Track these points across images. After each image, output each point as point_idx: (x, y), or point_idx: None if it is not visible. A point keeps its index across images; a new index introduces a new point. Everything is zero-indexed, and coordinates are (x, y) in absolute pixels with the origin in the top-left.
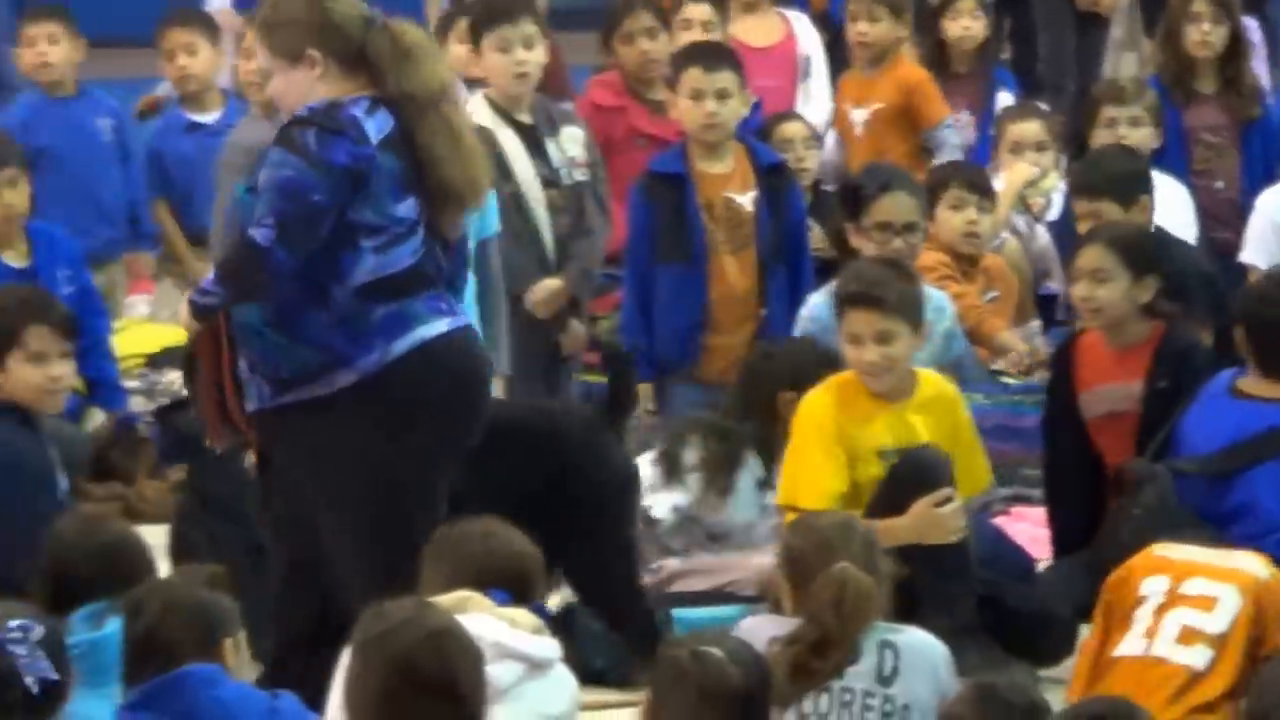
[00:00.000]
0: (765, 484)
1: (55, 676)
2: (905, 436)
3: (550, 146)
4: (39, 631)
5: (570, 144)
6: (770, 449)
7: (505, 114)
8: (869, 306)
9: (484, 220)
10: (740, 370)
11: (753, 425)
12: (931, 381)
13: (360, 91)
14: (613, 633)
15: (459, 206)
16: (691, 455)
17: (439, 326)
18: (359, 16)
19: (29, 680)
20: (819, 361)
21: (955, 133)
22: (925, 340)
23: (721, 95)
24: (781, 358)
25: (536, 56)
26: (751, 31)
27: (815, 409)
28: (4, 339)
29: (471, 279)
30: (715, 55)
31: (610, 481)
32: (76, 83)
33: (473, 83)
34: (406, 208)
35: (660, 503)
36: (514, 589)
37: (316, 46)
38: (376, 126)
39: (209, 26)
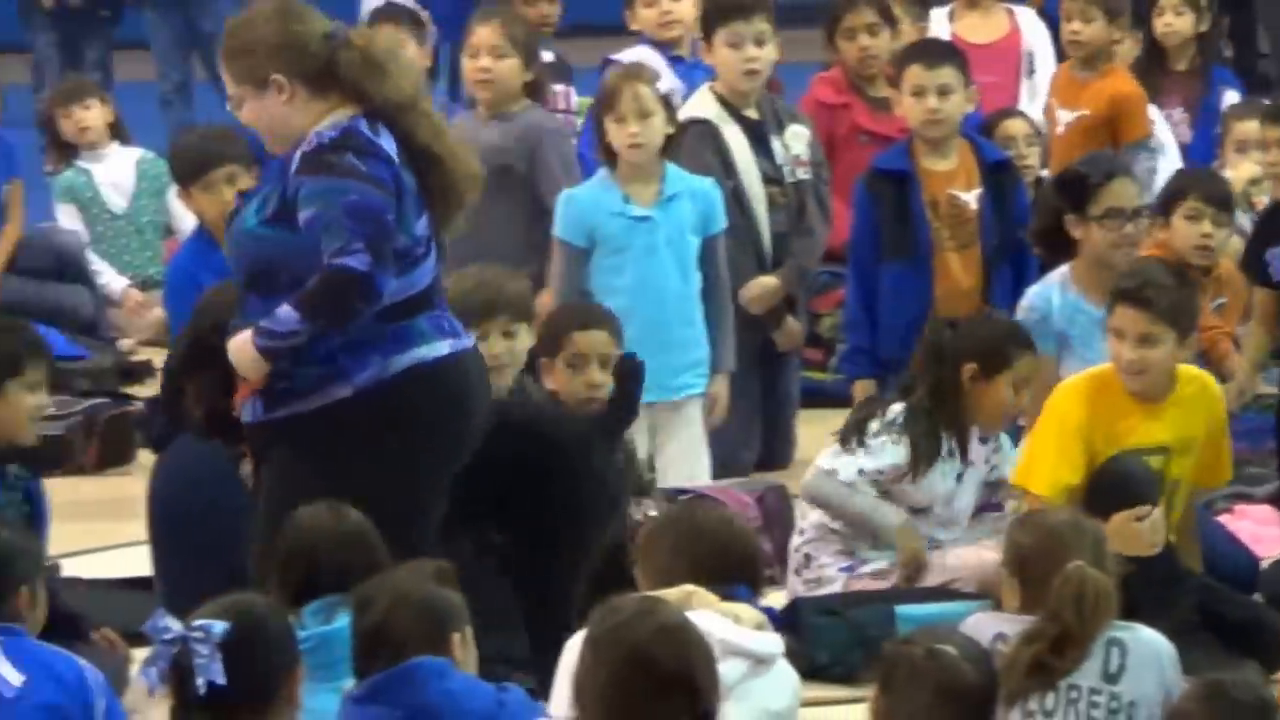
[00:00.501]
0: (953, 453)
1: (223, 681)
2: (1157, 436)
3: (775, 143)
4: (219, 632)
5: (795, 141)
6: (956, 420)
7: (731, 109)
8: (1137, 305)
9: (710, 217)
10: (921, 344)
11: (933, 398)
12: (1192, 378)
13: (333, 109)
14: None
15: (460, 204)
16: (875, 424)
17: (440, 348)
18: (319, 34)
19: (200, 681)
20: (1005, 334)
21: (1149, 155)
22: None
23: (943, 91)
24: (964, 330)
25: (768, 54)
26: (975, 28)
27: (1065, 397)
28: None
29: (698, 274)
30: (937, 52)
31: (588, 491)
32: None
33: (661, 45)
34: (423, 225)
35: (845, 466)
36: (738, 575)
37: (280, 70)
38: (387, 145)
39: (416, 24)
